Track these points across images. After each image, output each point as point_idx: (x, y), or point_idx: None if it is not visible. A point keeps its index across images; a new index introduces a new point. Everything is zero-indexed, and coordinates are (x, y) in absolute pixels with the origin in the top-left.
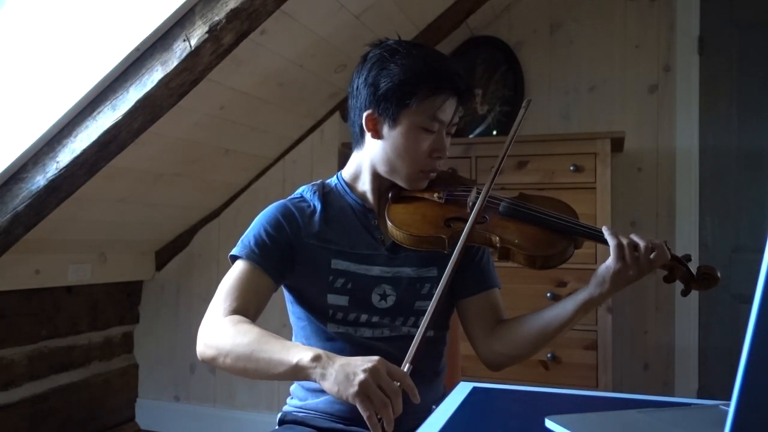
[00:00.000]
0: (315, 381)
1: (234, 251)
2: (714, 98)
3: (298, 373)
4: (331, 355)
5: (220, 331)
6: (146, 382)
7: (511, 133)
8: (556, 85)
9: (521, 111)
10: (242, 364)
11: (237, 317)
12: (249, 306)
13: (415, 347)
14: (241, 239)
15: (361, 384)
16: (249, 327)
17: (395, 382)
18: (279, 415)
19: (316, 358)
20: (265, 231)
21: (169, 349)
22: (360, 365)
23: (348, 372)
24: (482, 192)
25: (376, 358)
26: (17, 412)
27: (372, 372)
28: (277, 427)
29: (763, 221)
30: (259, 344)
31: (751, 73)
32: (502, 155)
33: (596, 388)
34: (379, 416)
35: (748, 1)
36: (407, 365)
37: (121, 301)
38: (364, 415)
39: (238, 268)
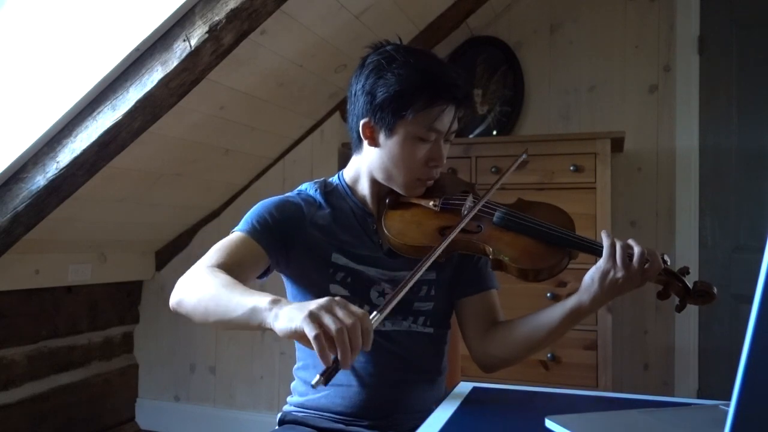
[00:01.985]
0: (268, 326)
1: (235, 228)
2: (714, 98)
3: (252, 316)
4: (293, 302)
5: (194, 277)
6: (146, 382)
7: (502, 175)
8: (556, 85)
9: (517, 161)
10: (204, 304)
11: (217, 268)
12: (234, 267)
13: (394, 301)
14: (244, 218)
15: (311, 311)
16: (225, 275)
17: (351, 318)
18: (279, 415)
19: (274, 302)
20: (268, 211)
21: (169, 349)
22: (316, 301)
23: (301, 306)
24: (466, 216)
25: (335, 298)
26: (17, 412)
27: (327, 302)
28: (277, 427)
29: (763, 221)
30: (227, 287)
31: (751, 73)
32: (491, 187)
33: (596, 388)
34: (333, 357)
35: (748, 1)
36: (377, 314)
37: (121, 301)
38: (311, 335)
39: (234, 236)
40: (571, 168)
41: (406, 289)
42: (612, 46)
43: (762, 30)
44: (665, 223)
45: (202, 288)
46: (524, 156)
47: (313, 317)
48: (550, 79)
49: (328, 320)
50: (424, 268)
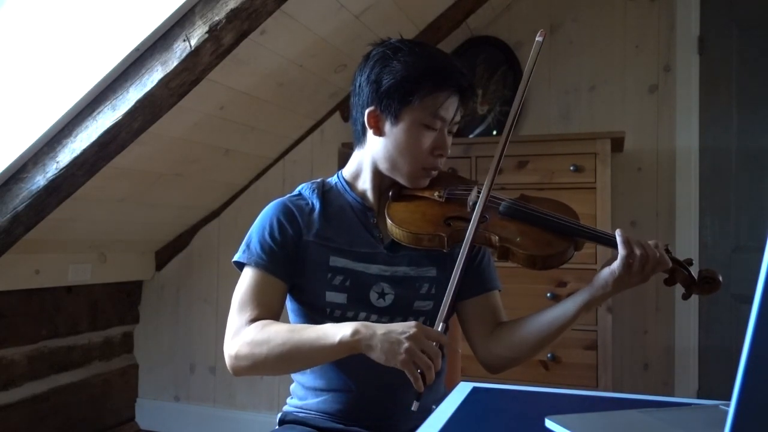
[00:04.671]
0: (359, 352)
1: (240, 257)
2: (714, 98)
3: (343, 350)
4: (368, 324)
5: (248, 341)
6: (146, 382)
7: (528, 74)
8: (556, 85)
9: (535, 47)
10: (284, 362)
11: (260, 323)
12: (267, 312)
13: (446, 307)
14: (245, 243)
15: (407, 351)
16: (275, 327)
17: (434, 343)
18: (279, 415)
19: (356, 332)
20: (270, 234)
21: (169, 349)
22: (401, 332)
23: (392, 341)
24: (484, 186)
25: (413, 323)
26: (17, 412)
27: (414, 339)
28: (277, 427)
29: (763, 221)
30: (293, 338)
31: (751, 73)
32: (508, 129)
33: (596, 388)
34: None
35: (748, 1)
36: (441, 324)
37: (121, 301)
38: (412, 378)
39: (249, 276)
40: (571, 168)
41: (453, 295)
42: (612, 46)
43: (762, 30)
44: (665, 223)
45: (269, 352)
46: (541, 38)
47: (410, 360)
48: (550, 79)
49: (422, 361)
50: (466, 261)
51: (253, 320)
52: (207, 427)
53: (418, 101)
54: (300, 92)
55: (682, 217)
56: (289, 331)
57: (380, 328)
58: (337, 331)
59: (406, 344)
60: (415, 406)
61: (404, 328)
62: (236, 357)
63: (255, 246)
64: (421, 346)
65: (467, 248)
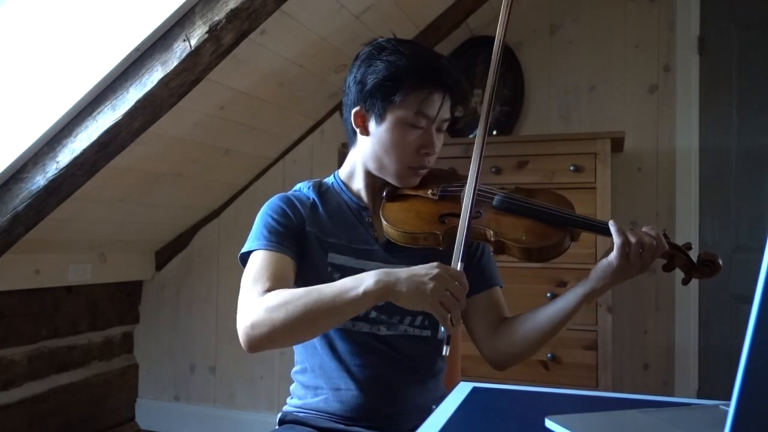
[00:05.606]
0: (388, 299)
1: (247, 247)
2: (714, 98)
3: (369, 301)
4: (388, 271)
5: (264, 307)
6: (146, 382)
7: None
8: (556, 85)
9: (503, 9)
10: (306, 323)
11: (275, 291)
12: (282, 284)
13: (462, 245)
14: (251, 234)
15: (433, 291)
16: (292, 291)
17: (456, 283)
18: (279, 415)
19: (379, 281)
20: (274, 219)
21: (169, 349)
22: (425, 274)
23: (418, 282)
24: (469, 176)
25: (434, 263)
26: (17, 412)
27: (438, 278)
28: (277, 427)
29: (763, 221)
30: (313, 296)
31: (751, 73)
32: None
33: (596, 388)
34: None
35: (748, 1)
36: (459, 264)
37: (121, 301)
38: (440, 318)
39: (259, 257)
40: (571, 168)
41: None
42: (612, 46)
43: (762, 30)
44: (665, 223)
45: (288, 309)
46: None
47: (436, 299)
48: (550, 79)
49: (448, 301)
50: (464, 242)
51: (268, 291)
52: (207, 427)
53: (400, 99)
54: (300, 92)
55: (682, 217)
56: (306, 291)
57: (402, 273)
58: (359, 283)
59: (431, 284)
60: (445, 351)
61: (427, 269)
62: (252, 326)
63: (261, 231)
64: (446, 285)
65: (465, 235)
